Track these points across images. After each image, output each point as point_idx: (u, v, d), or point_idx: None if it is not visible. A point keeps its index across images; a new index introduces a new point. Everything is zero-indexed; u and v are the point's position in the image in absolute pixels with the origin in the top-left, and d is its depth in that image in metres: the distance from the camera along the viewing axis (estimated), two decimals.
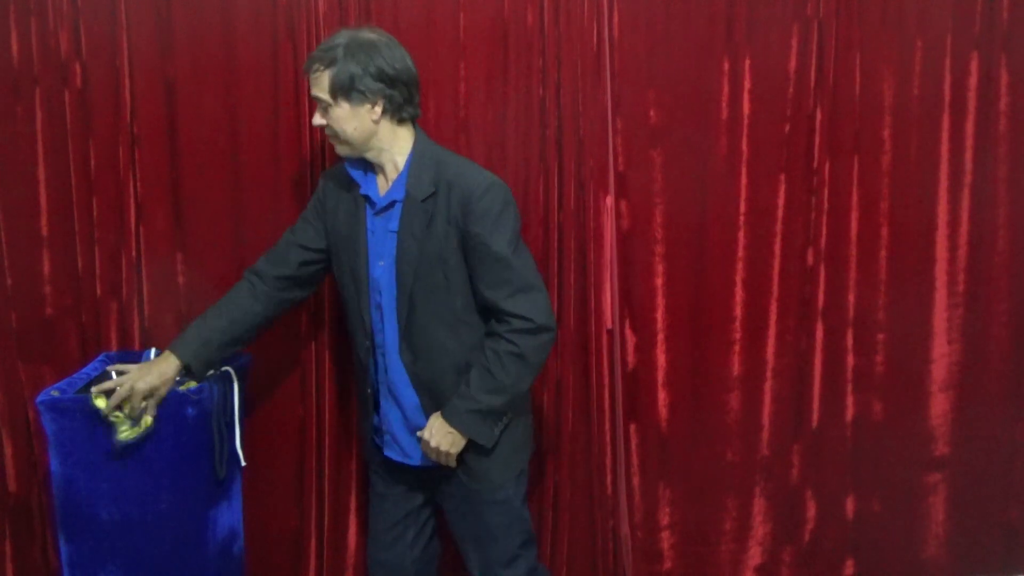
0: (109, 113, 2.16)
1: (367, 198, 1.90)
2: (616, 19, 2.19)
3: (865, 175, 2.31)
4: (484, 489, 1.90)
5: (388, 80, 1.81)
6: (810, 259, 2.32)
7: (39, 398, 1.85)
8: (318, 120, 1.85)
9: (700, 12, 2.21)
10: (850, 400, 2.39)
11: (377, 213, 1.89)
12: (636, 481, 2.35)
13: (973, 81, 2.30)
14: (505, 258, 1.79)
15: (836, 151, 2.29)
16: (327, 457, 2.28)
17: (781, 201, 2.29)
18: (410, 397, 1.90)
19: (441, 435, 1.83)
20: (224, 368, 2.02)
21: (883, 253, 2.34)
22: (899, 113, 2.29)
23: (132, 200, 2.19)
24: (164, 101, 2.17)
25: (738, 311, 2.32)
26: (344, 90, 1.79)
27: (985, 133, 2.31)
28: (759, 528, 2.41)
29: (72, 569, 1.90)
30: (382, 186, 1.90)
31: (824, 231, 2.31)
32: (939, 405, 2.40)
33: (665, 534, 2.39)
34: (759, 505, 2.40)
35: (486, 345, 1.83)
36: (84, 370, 2.05)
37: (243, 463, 2.06)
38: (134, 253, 2.20)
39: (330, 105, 1.81)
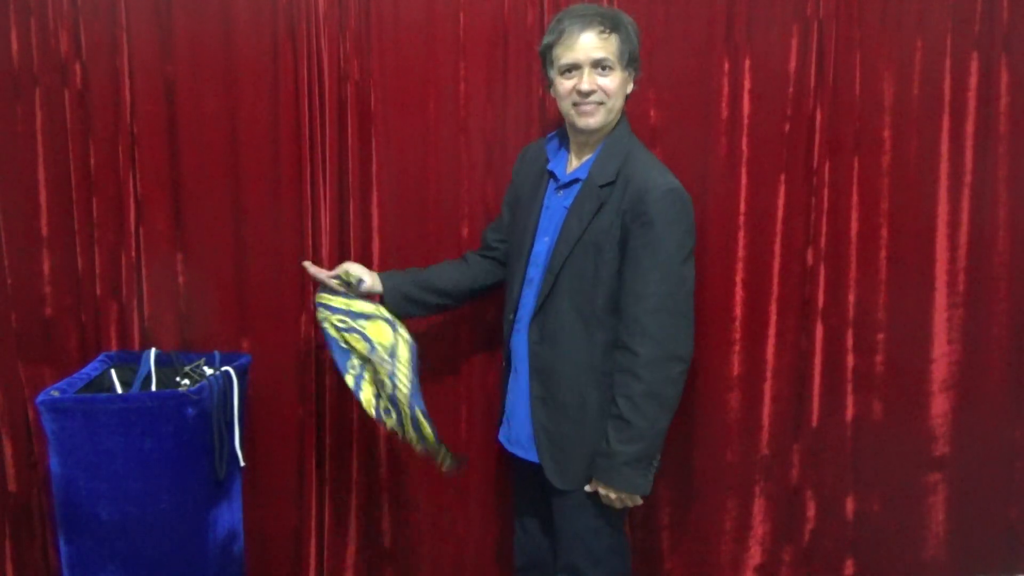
0: (109, 113, 2.16)
1: (552, 174, 1.90)
2: None
3: (865, 175, 2.31)
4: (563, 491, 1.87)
5: (639, 58, 1.83)
6: (810, 259, 2.32)
7: (39, 398, 1.85)
8: (591, 84, 1.77)
9: (700, 12, 2.21)
10: (850, 400, 2.38)
11: (558, 189, 1.88)
12: None
13: (973, 81, 2.29)
14: (662, 268, 1.70)
15: (836, 151, 2.29)
16: (327, 457, 2.28)
17: (781, 201, 2.29)
18: (524, 379, 1.89)
19: (608, 494, 1.79)
20: (224, 368, 2.02)
21: (883, 253, 2.33)
22: (899, 113, 2.29)
23: (132, 200, 2.19)
24: (164, 101, 2.17)
25: (738, 311, 2.31)
26: (630, 58, 1.79)
27: (985, 133, 2.31)
28: (759, 528, 2.41)
29: (72, 569, 1.90)
30: (572, 164, 1.89)
31: (824, 231, 2.31)
32: (939, 405, 2.40)
33: (665, 534, 2.39)
34: (759, 505, 2.40)
35: (616, 384, 1.75)
36: (84, 370, 2.05)
37: (243, 463, 2.06)
38: (134, 253, 2.21)
39: (613, 70, 1.77)
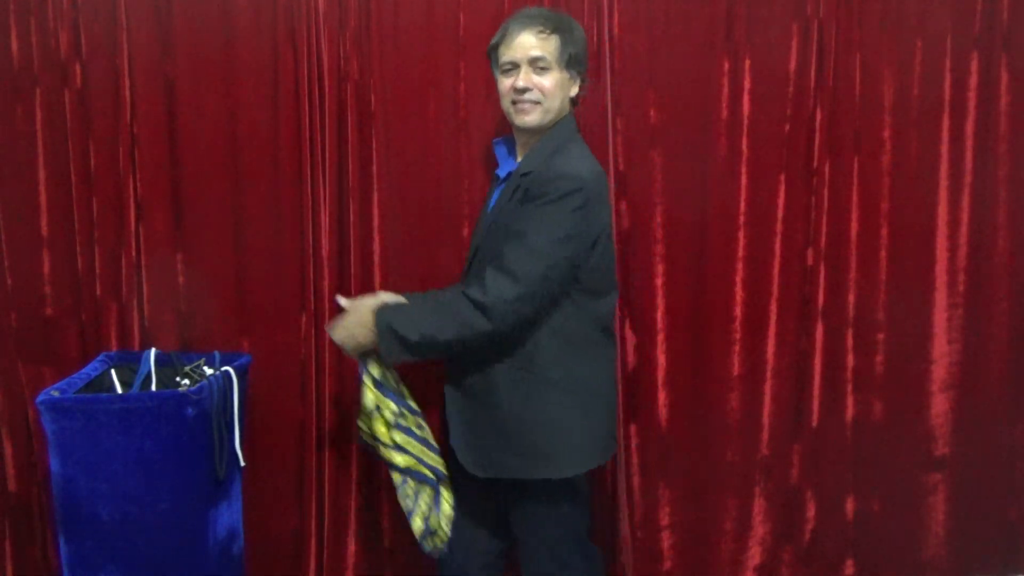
0: (109, 113, 2.16)
1: (497, 177, 1.94)
2: (616, 19, 2.19)
3: (865, 175, 2.31)
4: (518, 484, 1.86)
5: (586, 62, 1.86)
6: (810, 259, 2.32)
7: (39, 398, 1.85)
8: (526, 82, 1.79)
9: (700, 12, 2.21)
10: (850, 400, 2.38)
11: (498, 186, 1.91)
12: (636, 481, 2.35)
13: (973, 81, 2.30)
14: (522, 236, 1.70)
15: (836, 151, 2.29)
16: (327, 457, 2.28)
17: (781, 201, 2.29)
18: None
19: (355, 320, 1.82)
20: (224, 368, 2.02)
21: (883, 253, 2.33)
22: (899, 113, 2.29)
23: (132, 200, 2.19)
24: (164, 101, 2.17)
25: (738, 311, 2.31)
26: (570, 59, 1.81)
27: (985, 133, 2.31)
28: (759, 528, 2.41)
29: (72, 569, 1.90)
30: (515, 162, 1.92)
31: (824, 231, 2.31)
32: (939, 405, 2.40)
33: (665, 534, 2.39)
34: (759, 505, 2.40)
35: (452, 290, 1.79)
36: (84, 370, 2.05)
37: (243, 463, 2.06)
38: (134, 253, 2.21)
39: (550, 69, 1.80)
